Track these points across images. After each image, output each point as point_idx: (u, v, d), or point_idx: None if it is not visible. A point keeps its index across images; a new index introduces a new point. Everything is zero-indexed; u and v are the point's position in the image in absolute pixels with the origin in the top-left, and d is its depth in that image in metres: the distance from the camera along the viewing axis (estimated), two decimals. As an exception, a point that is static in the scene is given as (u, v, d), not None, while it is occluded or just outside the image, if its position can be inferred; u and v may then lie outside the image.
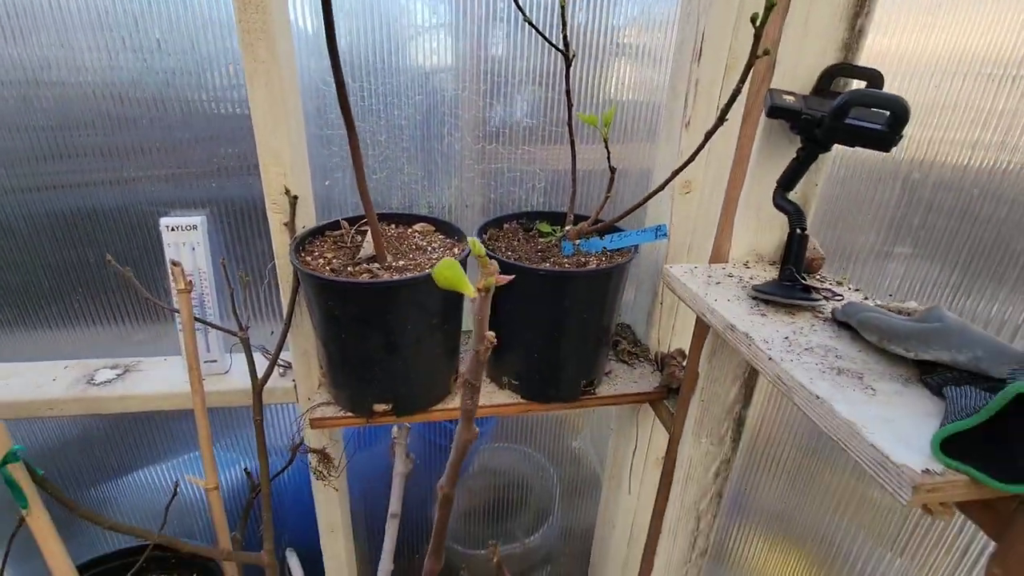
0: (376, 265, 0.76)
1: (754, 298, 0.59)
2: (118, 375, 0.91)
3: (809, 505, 0.94)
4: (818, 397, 0.42)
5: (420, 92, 0.90)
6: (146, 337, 1.01)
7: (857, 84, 0.62)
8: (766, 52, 0.54)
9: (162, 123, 0.86)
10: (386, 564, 0.60)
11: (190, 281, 0.81)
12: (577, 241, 0.82)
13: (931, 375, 0.43)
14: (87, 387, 0.88)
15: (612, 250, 0.83)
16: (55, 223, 0.89)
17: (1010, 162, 0.62)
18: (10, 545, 0.82)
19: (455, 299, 0.80)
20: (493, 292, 0.35)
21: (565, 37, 0.73)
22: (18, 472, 0.65)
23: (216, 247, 0.92)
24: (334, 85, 0.62)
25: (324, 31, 0.58)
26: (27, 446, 1.11)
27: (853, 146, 0.55)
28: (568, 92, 0.77)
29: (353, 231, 0.84)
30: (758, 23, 0.51)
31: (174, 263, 0.81)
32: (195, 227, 0.86)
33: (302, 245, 0.79)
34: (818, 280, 0.65)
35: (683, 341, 0.98)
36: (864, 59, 0.61)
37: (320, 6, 0.56)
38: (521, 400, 0.87)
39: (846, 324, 0.53)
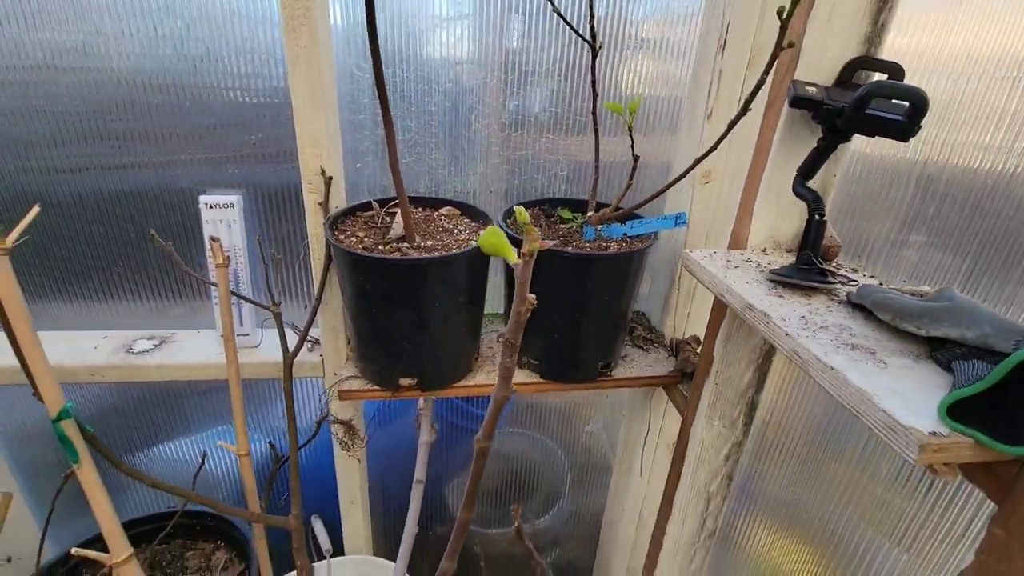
0: (405, 245, 0.80)
1: (772, 281, 0.62)
2: (155, 345, 0.96)
3: (814, 496, 0.96)
4: (832, 368, 0.45)
5: (448, 80, 0.93)
6: (181, 312, 1.06)
7: (878, 78, 0.64)
8: (791, 44, 0.57)
9: (190, 109, 0.89)
10: (411, 527, 0.64)
11: (227, 256, 0.85)
12: (599, 227, 0.85)
13: (941, 351, 0.45)
14: (126, 355, 0.93)
15: (632, 236, 0.85)
16: (98, 200, 0.93)
17: (1018, 166, 0.64)
18: (55, 502, 0.87)
19: (480, 280, 0.83)
20: (532, 261, 0.38)
21: (592, 28, 0.76)
22: (70, 428, 0.69)
23: (251, 227, 0.95)
24: (370, 70, 0.65)
25: (365, 14, 0.61)
26: (63, 414, 1.16)
27: (873, 136, 0.57)
28: (594, 82, 0.80)
29: (383, 212, 0.87)
30: (784, 16, 0.53)
31: (213, 239, 0.84)
32: (232, 205, 0.90)
33: (335, 224, 0.82)
34: (834, 267, 0.68)
35: (698, 328, 1.00)
36: (884, 55, 0.63)
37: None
38: (540, 380, 0.90)
39: (860, 306, 0.56)
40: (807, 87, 0.59)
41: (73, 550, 0.71)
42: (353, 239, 0.80)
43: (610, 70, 0.96)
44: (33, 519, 1.17)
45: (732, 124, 0.62)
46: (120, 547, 0.72)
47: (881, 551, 0.82)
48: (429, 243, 0.81)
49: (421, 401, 0.77)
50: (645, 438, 1.11)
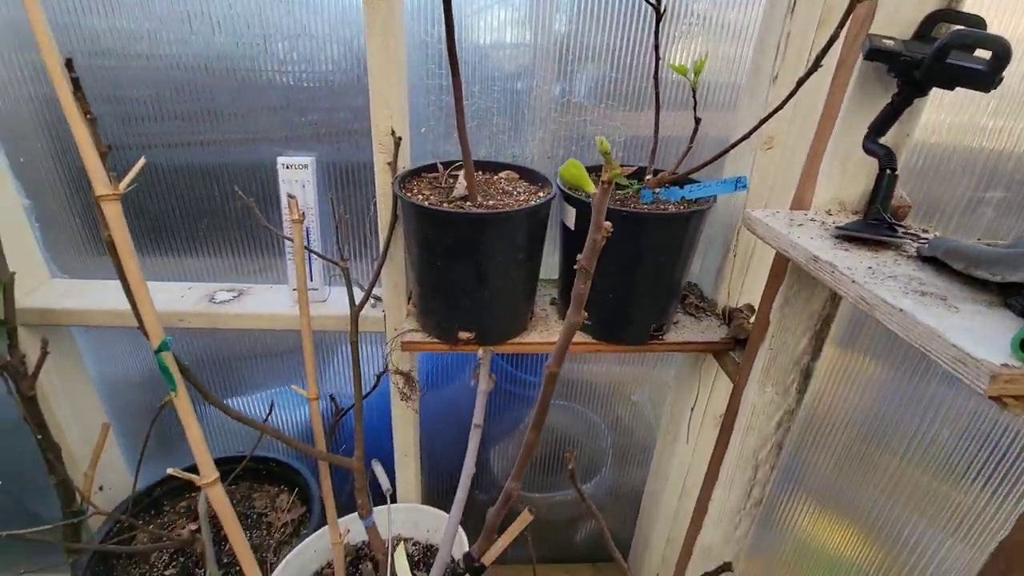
0: (468, 204, 0.83)
1: (838, 237, 0.62)
2: (234, 296, 1.04)
3: (859, 482, 0.94)
4: (901, 310, 0.46)
5: (509, 46, 0.95)
6: (255, 268, 1.14)
7: (959, 32, 0.62)
8: (868, -5, 0.56)
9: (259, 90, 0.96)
10: (469, 467, 0.68)
11: (302, 213, 0.91)
12: (656, 190, 0.86)
13: (1016, 297, 0.45)
14: (209, 304, 1.01)
15: (691, 200, 0.86)
16: (188, 164, 1.01)
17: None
18: (152, 426, 0.97)
19: (537, 240, 0.86)
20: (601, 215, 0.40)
21: (657, -10, 0.77)
22: (169, 359, 0.77)
23: (323, 190, 1.02)
24: (438, 36, 0.68)
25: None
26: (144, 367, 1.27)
27: (952, 88, 0.56)
28: (656, 45, 0.81)
29: (447, 174, 0.91)
30: (863, -36, 0.53)
31: (290, 196, 0.91)
32: (306, 166, 0.96)
33: (402, 184, 0.87)
34: (903, 227, 0.67)
35: (751, 298, 1.00)
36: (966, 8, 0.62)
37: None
38: (592, 340, 0.93)
39: (931, 261, 0.55)
40: (884, 40, 0.58)
41: (169, 470, 0.79)
42: (419, 197, 0.84)
43: (668, 47, 0.96)
44: (122, 456, 1.30)
45: (803, 80, 0.62)
46: (209, 470, 0.80)
47: (925, 536, 0.80)
48: (490, 203, 0.84)
49: (480, 351, 0.81)
50: (692, 408, 1.12)
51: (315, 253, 0.94)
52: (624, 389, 1.39)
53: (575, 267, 0.44)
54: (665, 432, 1.27)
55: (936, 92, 0.58)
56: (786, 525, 0.97)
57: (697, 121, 0.81)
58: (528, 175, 0.93)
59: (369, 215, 1.04)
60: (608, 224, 0.41)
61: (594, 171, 0.97)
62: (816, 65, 0.61)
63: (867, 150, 0.62)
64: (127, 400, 1.29)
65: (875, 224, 0.59)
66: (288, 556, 1.01)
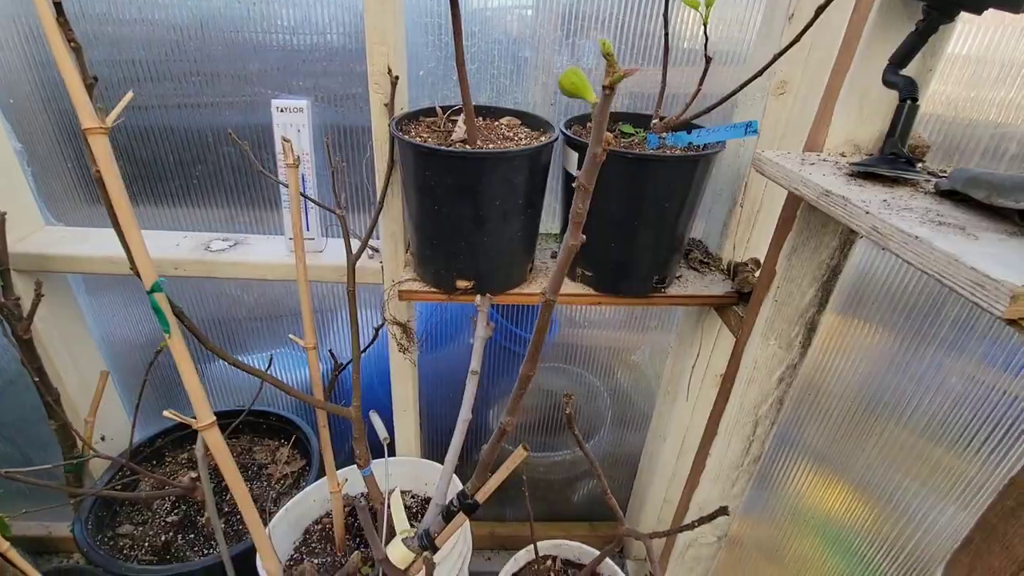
0: (467, 148, 0.81)
1: (851, 174, 0.59)
2: (230, 246, 1.02)
3: (855, 446, 0.91)
4: (917, 237, 0.43)
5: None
6: (251, 219, 1.12)
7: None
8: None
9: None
10: (465, 412, 0.67)
11: (297, 157, 0.89)
12: (663, 135, 0.83)
13: (1041, 224, 0.43)
14: (204, 253, 1.00)
15: (698, 146, 0.83)
16: (180, 112, 0.99)
17: None
18: (148, 372, 0.96)
19: (538, 185, 0.83)
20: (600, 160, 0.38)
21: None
22: (162, 301, 0.75)
23: (319, 137, 0.99)
24: None
25: None
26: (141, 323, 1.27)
27: (981, 11, 0.52)
28: (668, -21, 0.77)
29: (445, 117, 0.88)
30: None
31: (285, 139, 0.88)
32: (301, 109, 0.93)
33: (399, 126, 0.84)
34: (922, 163, 0.64)
35: (757, 253, 0.98)
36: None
37: None
38: (594, 292, 0.91)
39: (950, 196, 0.53)
40: (910, -41, 0.55)
41: (166, 412, 0.79)
42: (417, 139, 0.81)
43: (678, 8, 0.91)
44: (123, 408, 1.30)
45: (823, 6, 0.59)
46: (205, 413, 0.79)
47: (918, 498, 0.78)
48: (490, 147, 0.81)
49: (478, 298, 0.79)
50: (693, 366, 1.11)
51: (311, 200, 0.92)
52: (624, 352, 1.38)
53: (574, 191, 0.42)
54: (665, 391, 1.27)
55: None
56: (781, 485, 0.96)
57: (708, 60, 0.77)
58: (530, 121, 0.90)
59: (365, 158, 1.01)
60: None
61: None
62: (837, -10, 0.58)
63: (887, 83, 0.59)
64: (126, 352, 1.29)
65: (892, 159, 0.56)
66: (288, 503, 1.02)
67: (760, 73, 0.69)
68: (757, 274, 0.94)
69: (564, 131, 0.84)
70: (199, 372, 0.80)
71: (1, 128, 0.98)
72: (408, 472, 1.14)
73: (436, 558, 0.85)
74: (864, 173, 0.58)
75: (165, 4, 0.91)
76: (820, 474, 0.93)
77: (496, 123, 0.91)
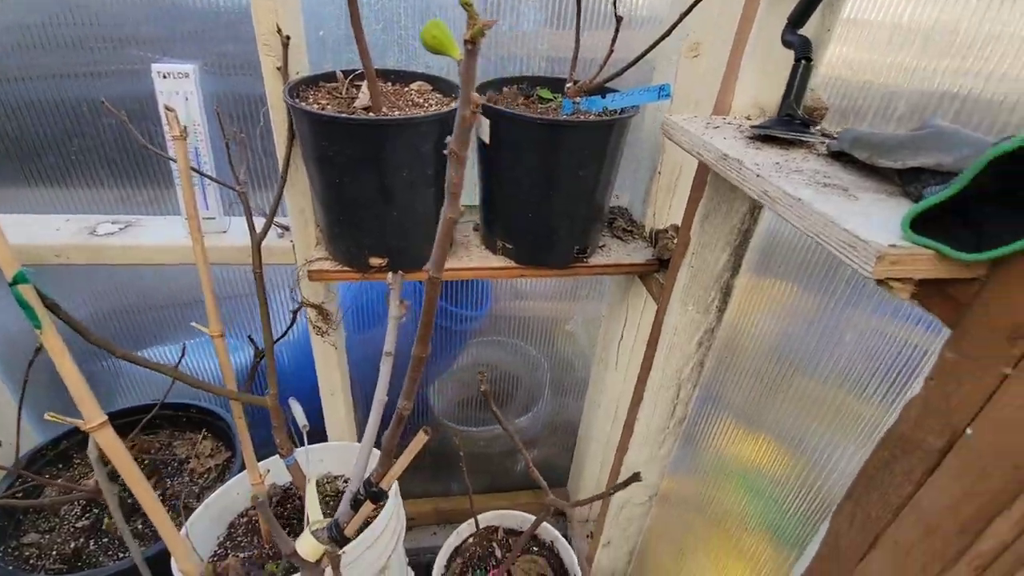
0: (370, 115, 0.75)
1: (751, 138, 0.59)
2: (120, 229, 0.93)
3: (773, 400, 0.95)
4: (799, 199, 0.43)
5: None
6: (145, 199, 1.02)
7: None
8: None
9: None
10: (380, 395, 0.64)
11: (184, 128, 0.81)
12: (577, 99, 0.80)
13: (915, 183, 0.43)
14: (90, 237, 0.90)
15: (613, 110, 0.81)
16: (50, 77, 0.87)
17: None
18: (28, 371, 0.88)
19: (451, 155, 0.79)
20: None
21: None
22: (29, 293, 0.67)
23: (211, 105, 0.90)
24: None
25: None
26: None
27: (870, -32, 0.52)
28: (576, -68, 0.73)
29: (348, 83, 0.82)
30: None
31: (168, 108, 0.79)
32: (187, 75, 0.84)
33: (296, 92, 0.77)
34: (818, 126, 0.64)
35: (677, 219, 0.98)
36: None
37: None
38: (515, 264, 0.89)
39: (840, 156, 0.53)
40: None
41: (47, 415, 0.72)
42: (315, 107, 0.75)
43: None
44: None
45: (719, -40, 0.57)
46: (93, 412, 0.72)
47: (831, 444, 0.82)
48: (396, 113, 0.76)
49: (390, 276, 0.75)
50: (622, 334, 1.12)
51: (204, 175, 0.84)
52: (560, 323, 1.38)
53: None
54: (598, 361, 1.28)
55: None
56: (705, 442, 1.00)
57: (618, 20, 0.74)
58: (442, 86, 0.85)
59: (259, 128, 0.93)
60: (477, 97, 0.36)
61: (511, 83, 0.90)
62: (735, -56, 0.56)
63: (785, 42, 0.58)
64: (17, 355, 1.18)
65: (787, 121, 0.56)
66: (208, 499, 0.97)
67: (668, 34, 0.68)
68: (676, 241, 0.95)
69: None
70: (105, 368, 0.72)
71: None
72: (340, 457, 1.11)
73: (359, 541, 0.83)
74: (763, 136, 0.57)
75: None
76: (740, 428, 0.96)
77: (406, 88, 0.85)
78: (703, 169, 0.76)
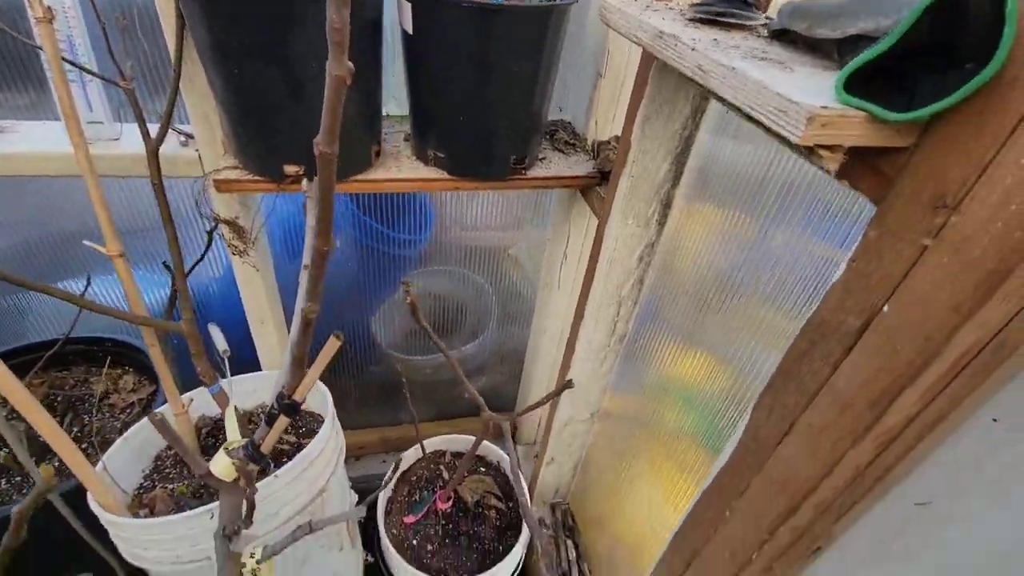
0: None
1: (691, 19, 0.54)
2: (-13, 134, 0.80)
3: (711, 321, 0.96)
4: (733, 68, 0.39)
5: None
6: (23, 104, 0.88)
7: None
8: None
9: None
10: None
11: (49, 8, 0.68)
12: (512, -14, 0.72)
13: (852, 53, 0.40)
14: (-51, 144, 0.77)
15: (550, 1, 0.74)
16: None
17: None
18: None
19: (368, 43, 0.71)
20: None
21: None
22: None
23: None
24: None
25: None
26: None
27: None
28: None
29: (246, -44, 0.70)
30: None
31: (21, -21, 0.66)
32: (44, -59, 0.69)
33: (181, -36, 0.65)
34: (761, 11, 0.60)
35: (621, 130, 0.94)
36: None
37: None
38: (448, 176, 0.83)
39: (781, 36, 0.49)
40: None
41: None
42: (204, -19, 0.64)
43: None
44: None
45: None
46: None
47: (762, 357, 0.85)
48: (304, -7, 0.66)
49: (305, 183, 0.69)
50: (565, 253, 1.09)
51: (78, 66, 0.72)
52: (504, 250, 1.35)
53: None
54: (543, 285, 1.26)
55: None
56: (645, 361, 1.01)
57: None
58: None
59: (135, 9, 0.80)
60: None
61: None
62: None
63: (730, -90, 0.53)
64: None
65: (730, 2, 0.52)
66: (127, 432, 0.91)
67: (607, -99, 0.60)
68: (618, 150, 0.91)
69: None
70: (11, 305, 0.63)
71: None
72: (270, 386, 1.06)
73: (295, 462, 0.80)
74: (703, 18, 0.53)
75: None
76: (677, 346, 0.98)
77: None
78: (645, 66, 0.71)
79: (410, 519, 1.18)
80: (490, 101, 0.74)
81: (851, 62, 0.33)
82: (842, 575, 0.50)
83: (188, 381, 0.94)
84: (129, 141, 0.83)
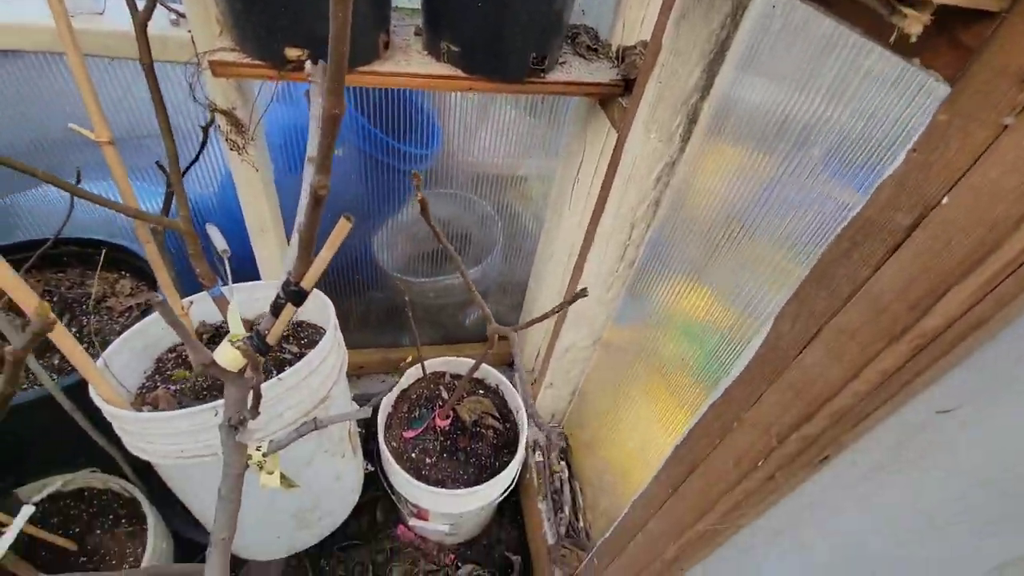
0: None
1: None
2: (-44, -1, 0.73)
3: (720, 259, 0.93)
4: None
5: None
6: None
7: None
8: None
9: None
10: (301, 217, 0.55)
11: None
12: None
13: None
14: (-84, 8, 0.71)
15: None
16: None
17: None
18: None
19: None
20: None
21: None
22: None
23: None
24: None
25: None
26: None
27: None
28: None
29: None
30: None
31: None
32: None
33: None
34: None
35: (649, 34, 0.87)
36: None
37: None
38: (462, 75, 0.77)
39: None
40: None
41: None
42: None
43: None
44: None
45: None
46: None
47: (766, 298, 0.82)
48: None
49: (309, 66, 0.63)
50: (578, 172, 1.05)
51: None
52: (513, 177, 1.30)
53: None
54: (553, 207, 1.22)
55: None
56: (650, 296, 0.99)
57: None
58: None
59: None
60: None
61: None
62: None
63: None
64: None
65: None
66: (127, 332, 0.90)
67: None
68: (646, 54, 0.85)
69: None
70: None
71: None
72: (271, 296, 1.04)
73: (302, 365, 0.80)
74: None
75: None
76: (684, 283, 0.96)
77: None
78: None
79: (409, 434, 1.20)
80: (511, -11, 0.67)
81: None
82: (843, 486, 0.50)
83: (187, 291, 0.92)
84: (117, 15, 0.76)
